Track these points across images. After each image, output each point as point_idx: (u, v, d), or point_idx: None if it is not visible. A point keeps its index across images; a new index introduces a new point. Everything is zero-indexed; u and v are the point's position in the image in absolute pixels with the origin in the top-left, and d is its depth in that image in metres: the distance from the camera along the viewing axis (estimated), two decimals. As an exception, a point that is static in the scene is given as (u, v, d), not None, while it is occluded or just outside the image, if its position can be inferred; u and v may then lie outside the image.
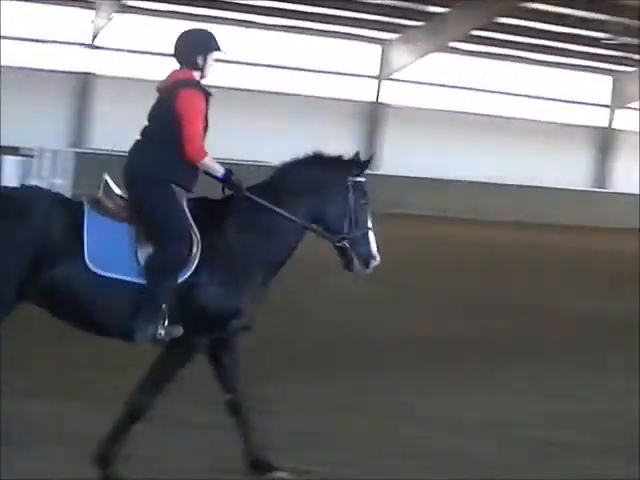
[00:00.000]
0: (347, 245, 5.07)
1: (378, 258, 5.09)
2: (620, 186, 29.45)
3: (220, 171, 4.96)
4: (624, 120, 29.93)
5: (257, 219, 4.99)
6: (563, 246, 20.16)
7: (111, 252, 4.80)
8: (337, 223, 5.08)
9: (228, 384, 5.04)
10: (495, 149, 28.54)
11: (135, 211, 4.89)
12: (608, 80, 29.83)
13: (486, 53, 27.80)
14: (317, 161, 5.12)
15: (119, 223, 4.87)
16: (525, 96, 28.84)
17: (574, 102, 29.48)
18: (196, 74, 5.02)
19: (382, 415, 6.38)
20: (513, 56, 28.16)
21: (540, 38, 26.41)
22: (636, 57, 27.69)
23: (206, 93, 5.01)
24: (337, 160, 5.15)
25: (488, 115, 28.54)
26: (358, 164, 5.16)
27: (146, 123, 5.07)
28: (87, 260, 4.75)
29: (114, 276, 4.78)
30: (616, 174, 29.80)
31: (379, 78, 27.75)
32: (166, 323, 4.81)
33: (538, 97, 28.86)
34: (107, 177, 5.00)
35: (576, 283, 14.02)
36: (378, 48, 27.61)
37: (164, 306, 4.80)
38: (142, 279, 4.80)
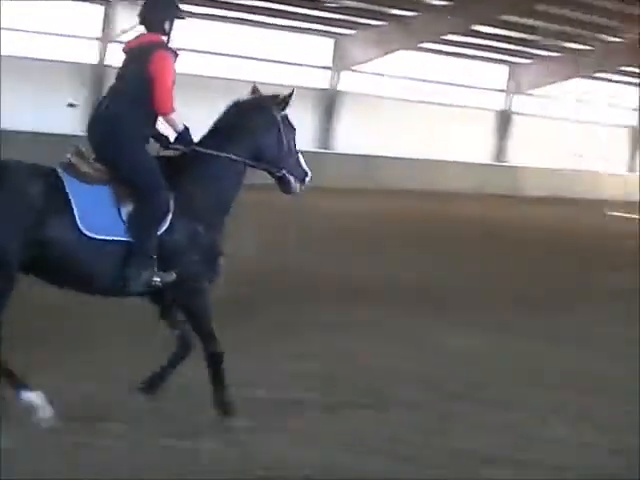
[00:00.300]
0: (285, 173, 5.78)
1: (310, 173, 5.87)
2: (343, 147, 30.76)
3: (180, 127, 5.49)
4: (347, 82, 31.15)
5: (207, 168, 5.52)
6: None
7: (99, 215, 5.18)
8: (275, 157, 5.74)
9: (175, 319, 5.63)
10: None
11: (112, 171, 5.24)
12: (330, 42, 30.84)
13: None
14: (246, 105, 5.74)
15: (99, 186, 5.24)
16: (247, 58, 28.99)
17: (299, 64, 30.24)
18: (164, 38, 5.54)
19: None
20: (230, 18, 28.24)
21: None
22: (357, 20, 28.88)
23: (175, 54, 5.52)
24: (262, 100, 5.76)
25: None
26: (282, 99, 5.77)
27: (114, 83, 5.49)
28: (81, 226, 5.14)
29: (106, 238, 5.20)
30: (339, 135, 31.10)
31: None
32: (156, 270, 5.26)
33: (262, 59, 29.21)
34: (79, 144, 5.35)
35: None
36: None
37: (154, 256, 5.24)
38: (129, 237, 5.22)
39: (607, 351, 8.30)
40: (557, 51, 35.06)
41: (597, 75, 37.64)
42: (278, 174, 5.82)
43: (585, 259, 15.59)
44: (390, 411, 6.19)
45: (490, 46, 34.75)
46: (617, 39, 33.73)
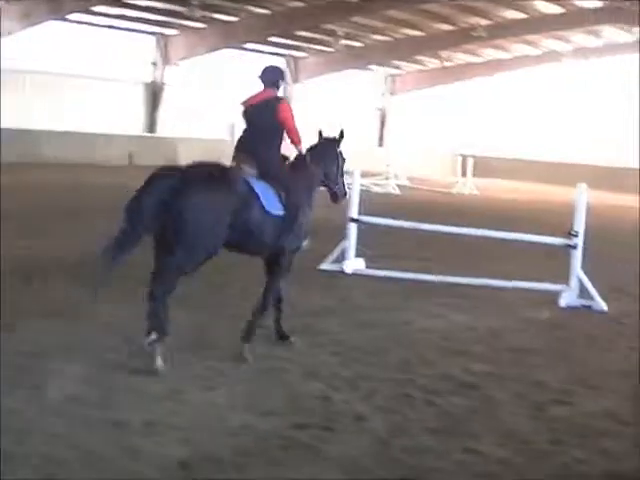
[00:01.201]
0: (337, 190, 8.66)
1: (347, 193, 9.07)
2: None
3: (303, 150, 8.32)
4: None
5: (305, 172, 8.24)
6: None
7: (270, 200, 7.65)
8: (334, 176, 8.60)
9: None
10: None
11: (269, 177, 7.77)
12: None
13: None
14: (326, 141, 8.61)
15: (263, 183, 7.68)
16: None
17: None
18: (278, 92, 8.23)
19: None
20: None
21: None
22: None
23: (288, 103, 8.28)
24: (335, 140, 8.59)
25: None
26: (340, 139, 8.63)
27: (247, 123, 8.11)
28: (266, 207, 7.57)
29: (277, 213, 7.66)
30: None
31: None
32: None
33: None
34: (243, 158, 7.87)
35: None
36: None
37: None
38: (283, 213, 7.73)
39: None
40: (205, 22, 36.33)
41: (246, 46, 39.58)
42: (334, 190, 8.66)
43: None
44: (58, 385, 6.33)
45: (138, 17, 35.38)
46: (264, 10, 35.64)
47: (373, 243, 13.10)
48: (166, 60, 37.08)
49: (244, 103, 8.22)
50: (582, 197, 10.85)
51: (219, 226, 7.17)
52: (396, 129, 49.23)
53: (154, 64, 37.01)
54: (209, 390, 6.61)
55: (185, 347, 7.60)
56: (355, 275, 11.74)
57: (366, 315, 9.52)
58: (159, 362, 6.91)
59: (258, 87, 8.22)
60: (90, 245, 12.60)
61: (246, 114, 8.17)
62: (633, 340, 9.21)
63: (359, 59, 43.10)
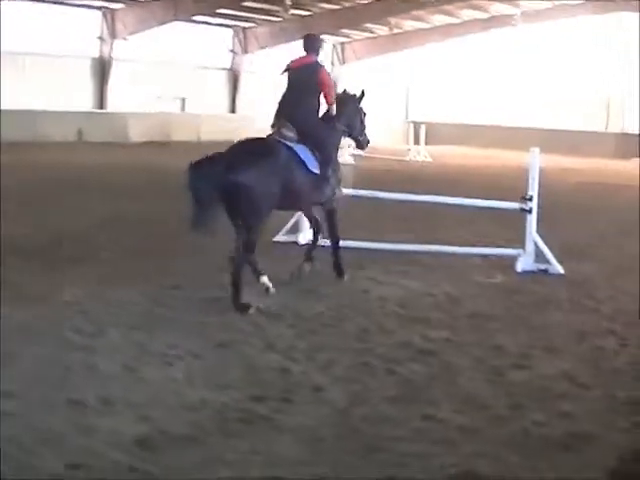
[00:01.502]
0: (360, 137, 10.12)
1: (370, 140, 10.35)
2: None
3: (333, 109, 9.54)
4: None
5: (333, 129, 9.59)
6: None
7: (309, 160, 8.96)
8: (358, 128, 10.03)
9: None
10: None
11: (304, 136, 9.01)
12: None
13: None
14: (350, 97, 9.95)
15: (301, 145, 8.95)
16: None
17: None
18: (317, 58, 9.44)
19: None
20: None
21: None
22: None
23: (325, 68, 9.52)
24: (356, 96, 9.94)
25: None
26: (362, 96, 9.98)
27: (289, 84, 9.29)
28: (308, 166, 8.94)
29: (315, 171, 9.02)
30: None
31: None
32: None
33: None
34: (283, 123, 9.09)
35: None
36: None
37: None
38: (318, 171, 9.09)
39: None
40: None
41: (195, 18, 39.25)
42: (359, 137, 10.10)
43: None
44: (16, 366, 6.31)
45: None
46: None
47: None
48: (114, 34, 36.61)
49: (288, 66, 9.45)
50: (535, 161, 10.89)
51: (271, 191, 8.44)
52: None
53: (101, 39, 36.51)
54: (167, 366, 6.56)
55: (141, 324, 7.54)
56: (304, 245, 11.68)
57: (321, 286, 9.49)
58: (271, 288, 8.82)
59: (300, 53, 9.55)
60: (46, 227, 12.57)
61: (290, 76, 9.37)
62: (590, 302, 9.29)
63: (308, 28, 42.85)
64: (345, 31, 47.11)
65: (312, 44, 9.56)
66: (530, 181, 10.89)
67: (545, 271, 10.75)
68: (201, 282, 9.25)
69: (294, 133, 9.03)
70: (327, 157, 9.25)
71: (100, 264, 10.01)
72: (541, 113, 46.47)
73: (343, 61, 49.61)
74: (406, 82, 50.20)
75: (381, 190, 12.65)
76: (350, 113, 9.88)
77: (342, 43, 49.46)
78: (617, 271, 11.06)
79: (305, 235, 11.88)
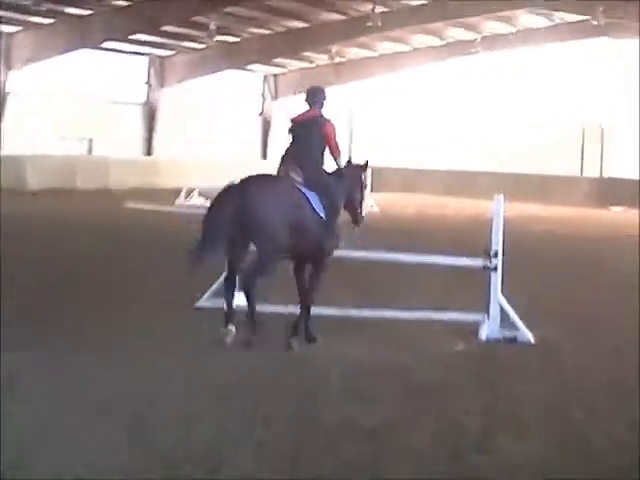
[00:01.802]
0: (357, 210, 11.22)
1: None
2: None
3: (342, 163, 11.00)
4: None
5: (340, 181, 10.95)
6: None
7: (317, 203, 10.25)
8: (357, 200, 11.23)
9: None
10: None
11: (313, 183, 10.35)
12: None
13: None
14: (351, 166, 11.22)
15: (307, 190, 10.26)
16: None
17: None
18: (322, 111, 10.90)
19: None
20: None
21: None
22: None
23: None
24: (360, 166, 11.31)
25: None
26: (365, 166, 11.42)
27: (294, 138, 10.76)
28: (315, 209, 10.24)
29: (322, 215, 10.29)
30: None
31: None
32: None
33: None
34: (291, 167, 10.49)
35: None
36: None
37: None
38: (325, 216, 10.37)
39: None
40: (54, 18, 35.90)
41: (105, 45, 39.11)
42: (357, 211, 11.26)
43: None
44: None
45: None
46: (123, 2, 35.36)
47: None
48: (8, 65, 36.28)
49: (293, 121, 10.92)
50: (499, 210, 10.96)
51: (284, 220, 9.90)
52: (281, 138, 49.23)
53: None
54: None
55: None
56: (239, 311, 11.66)
57: (252, 355, 9.50)
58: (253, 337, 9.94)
59: (304, 107, 10.96)
60: None
61: (294, 130, 10.83)
62: (563, 374, 9.38)
63: (236, 57, 43.14)
64: (279, 60, 47.32)
65: (316, 98, 10.98)
66: (494, 234, 10.95)
67: (513, 340, 10.81)
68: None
69: (302, 178, 10.39)
70: (334, 206, 10.60)
71: None
72: (504, 155, 46.84)
73: (276, 95, 49.87)
74: (349, 120, 50.63)
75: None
76: (351, 184, 11.09)
77: (275, 75, 49.78)
78: (587, 334, 11.22)
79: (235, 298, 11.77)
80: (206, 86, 45.06)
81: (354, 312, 11.66)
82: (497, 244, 10.91)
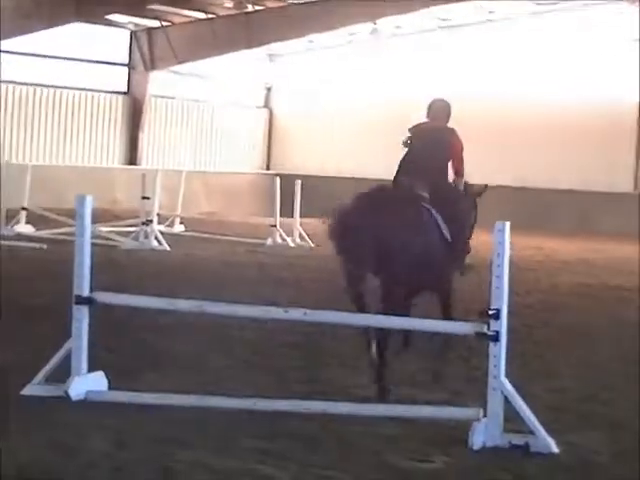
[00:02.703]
0: (464, 248, 14.32)
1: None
2: None
3: (462, 184, 14.52)
4: None
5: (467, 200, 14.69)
6: None
7: (444, 226, 13.16)
8: (466, 234, 14.36)
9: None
10: None
11: (439, 200, 13.28)
12: None
13: None
14: (469, 187, 14.75)
15: (431, 208, 13.18)
16: None
17: None
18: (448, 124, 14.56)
19: None
20: None
21: None
22: None
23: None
24: (480, 189, 14.89)
25: None
26: (484, 191, 14.81)
27: (413, 147, 14.10)
28: (443, 231, 13.22)
29: (448, 238, 13.26)
30: None
31: None
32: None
33: None
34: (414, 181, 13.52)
35: None
36: None
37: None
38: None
39: None
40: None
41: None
42: (464, 248, 13.94)
43: None
44: None
45: None
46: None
47: (127, 340, 13.06)
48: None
49: (414, 128, 14.06)
50: (503, 245, 10.75)
51: (417, 254, 12.57)
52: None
53: None
54: None
55: None
56: (90, 403, 11.47)
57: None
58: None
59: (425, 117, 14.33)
60: None
61: (415, 137, 13.91)
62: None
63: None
64: (157, 7, 46.60)
65: (443, 109, 14.49)
66: (495, 283, 10.83)
67: (524, 447, 10.69)
68: None
69: (427, 194, 13.10)
70: (461, 227, 13.56)
71: None
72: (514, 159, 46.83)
73: (151, 64, 49.40)
74: (264, 103, 50.85)
75: (218, 298, 12.59)
76: (464, 212, 14.14)
77: (149, 29, 49.23)
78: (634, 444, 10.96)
79: (82, 382, 11.54)
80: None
81: (275, 404, 11.53)
82: (499, 299, 10.78)
